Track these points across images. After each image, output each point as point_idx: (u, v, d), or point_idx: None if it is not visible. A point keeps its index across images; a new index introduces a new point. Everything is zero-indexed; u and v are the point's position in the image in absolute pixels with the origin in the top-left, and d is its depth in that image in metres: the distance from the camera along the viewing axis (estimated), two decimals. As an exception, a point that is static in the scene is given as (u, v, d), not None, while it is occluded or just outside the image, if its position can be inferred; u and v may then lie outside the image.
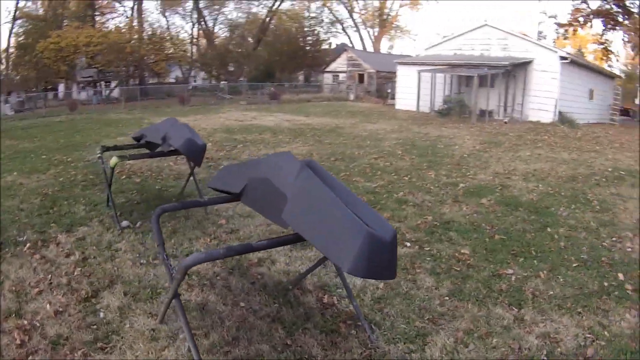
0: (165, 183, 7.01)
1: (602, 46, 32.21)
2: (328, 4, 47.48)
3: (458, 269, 4.48)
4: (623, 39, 31.44)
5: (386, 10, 48.74)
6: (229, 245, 2.57)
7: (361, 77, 36.50)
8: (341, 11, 50.84)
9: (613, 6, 29.72)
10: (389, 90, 28.81)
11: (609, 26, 30.61)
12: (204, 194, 5.80)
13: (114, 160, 5.07)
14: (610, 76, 29.17)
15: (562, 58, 21.30)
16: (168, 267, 2.70)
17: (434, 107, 22.16)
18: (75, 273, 3.70)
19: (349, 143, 11.60)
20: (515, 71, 21.63)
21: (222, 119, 16.44)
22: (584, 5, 30.47)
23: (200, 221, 5.18)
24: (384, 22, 48.81)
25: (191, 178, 5.91)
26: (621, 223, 6.58)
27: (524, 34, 24.58)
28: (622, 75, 39.48)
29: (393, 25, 50.61)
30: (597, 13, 29.94)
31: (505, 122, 19.74)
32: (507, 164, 10.66)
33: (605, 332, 3.53)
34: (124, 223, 5.00)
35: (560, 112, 21.44)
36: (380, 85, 34.89)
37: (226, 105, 25.98)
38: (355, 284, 3.87)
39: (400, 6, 48.88)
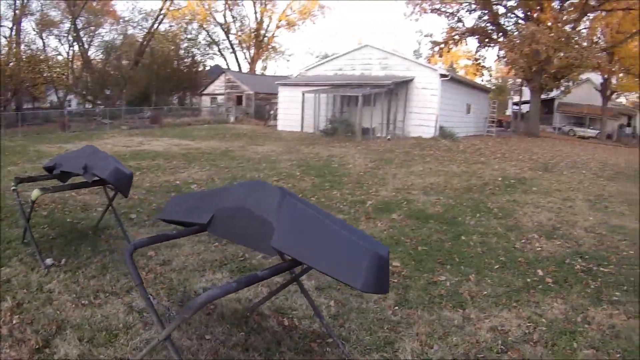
0: (75, 215, 6.71)
1: (476, 62, 35.63)
2: (205, 26, 48.04)
3: (396, 280, 4.91)
4: (498, 55, 34.99)
5: (262, 32, 50.12)
6: (237, 278, 2.66)
7: (239, 98, 36.99)
8: (218, 32, 51.64)
9: (488, 24, 33.16)
10: (272, 112, 29.44)
11: (483, 43, 34.07)
12: (124, 224, 5.73)
13: (35, 193, 4.81)
14: (485, 90, 32.42)
15: (442, 76, 23.49)
16: (152, 306, 2.75)
17: (318, 127, 23.14)
18: (15, 322, 3.53)
19: (246, 166, 11.83)
20: (397, 89, 23.32)
21: (110, 145, 15.89)
22: (459, 24, 33.63)
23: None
24: (260, 44, 50.07)
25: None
26: (525, 226, 7.53)
27: (404, 54, 26.70)
28: (494, 88, 43.90)
29: (269, 47, 52.13)
30: (472, 31, 33.28)
31: (389, 139, 21.19)
32: (404, 179, 11.54)
33: (543, 319, 4.15)
34: (48, 261, 4.73)
35: (441, 127, 23.49)
36: (258, 106, 35.56)
37: (107, 130, 25.23)
38: (307, 305, 4.13)
39: (277, 27, 50.43)
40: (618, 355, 3.65)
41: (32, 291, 4.08)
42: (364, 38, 57.90)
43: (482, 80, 40.73)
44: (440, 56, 34.68)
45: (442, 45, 33.22)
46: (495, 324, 4.01)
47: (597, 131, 40.84)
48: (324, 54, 66.36)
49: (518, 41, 27.62)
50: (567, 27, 29.51)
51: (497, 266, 5.53)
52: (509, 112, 52.01)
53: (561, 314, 4.28)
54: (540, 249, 6.35)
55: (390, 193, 9.82)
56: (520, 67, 28.28)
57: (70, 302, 3.85)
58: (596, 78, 41.86)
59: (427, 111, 23.42)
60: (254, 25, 50.18)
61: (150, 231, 6.01)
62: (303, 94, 23.08)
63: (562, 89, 31.98)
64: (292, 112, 24.74)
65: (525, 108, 44.45)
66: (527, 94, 42.34)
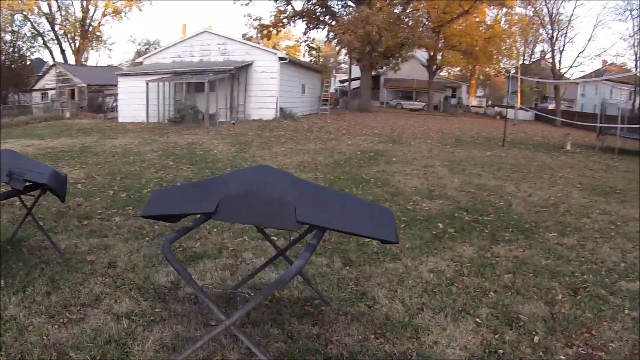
0: None
1: (304, 43, 37.32)
2: (31, 17, 43.50)
3: (330, 247, 5.61)
4: (327, 37, 37.11)
5: (88, 21, 46.92)
6: (306, 248, 3.02)
7: (72, 92, 34.68)
8: (43, 23, 46.89)
9: (317, 7, 34.70)
10: (115, 104, 27.93)
11: (312, 26, 35.66)
12: (45, 229, 5.53)
13: None
14: (317, 70, 34.12)
15: (281, 59, 24.49)
16: (206, 296, 2.94)
17: (165, 116, 22.84)
18: (5, 364, 3.42)
19: (114, 161, 11.52)
20: (238, 74, 23.80)
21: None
22: (289, 8, 34.78)
23: (66, 263, 5.02)
24: (85, 33, 46.84)
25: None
26: (405, 191, 8.71)
27: (244, 38, 27.10)
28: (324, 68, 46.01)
29: (94, 37, 49.03)
30: (301, 14, 34.58)
31: (233, 123, 21.64)
32: (274, 159, 12.20)
33: (463, 259, 5.19)
34: None
35: (281, 108, 24.55)
36: (92, 99, 33.72)
37: None
38: (271, 278, 4.68)
39: (103, 15, 47.39)
40: (531, 274, 4.82)
41: None
42: (193, 25, 56.74)
43: (313, 61, 42.65)
44: (269, 39, 35.70)
45: (271, 29, 34.30)
46: (431, 267, 4.94)
47: (424, 103, 45.25)
48: (145, 41, 63.83)
49: (352, 24, 29.56)
50: (397, 10, 32.35)
51: (403, 225, 6.51)
52: (332, 90, 55.02)
53: (474, 253, 5.39)
54: (428, 208, 7.51)
55: None
56: (355, 48, 30.29)
57: (48, 324, 3.66)
58: (421, 55, 46.26)
59: (267, 94, 24.29)
60: (79, 14, 46.88)
61: (69, 235, 5.82)
62: (147, 84, 22.49)
63: (392, 66, 34.83)
64: (134, 103, 23.83)
65: (352, 85, 47.57)
66: (353, 72, 45.35)
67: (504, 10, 41.58)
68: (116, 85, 26.27)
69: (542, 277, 4.78)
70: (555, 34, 42.85)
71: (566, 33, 43.55)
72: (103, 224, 6.35)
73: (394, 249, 5.48)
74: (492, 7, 41.29)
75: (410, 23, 32.30)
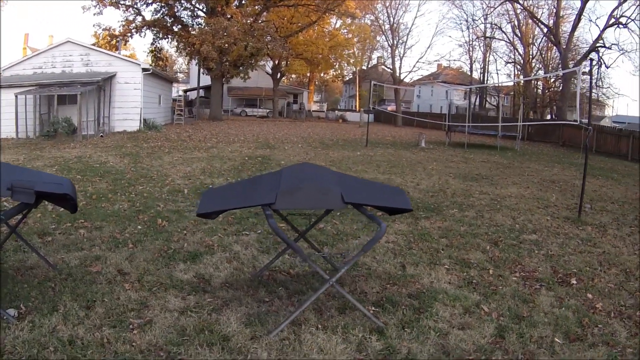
0: None
1: (152, 53, 37.12)
2: None
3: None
4: (178, 47, 37.26)
5: None
6: (379, 229, 3.70)
7: None
8: None
9: (167, 18, 34.89)
10: None
11: (162, 35, 35.69)
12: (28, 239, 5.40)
13: None
14: (169, 80, 34.26)
15: (144, 70, 24.81)
16: (310, 260, 3.71)
17: (31, 130, 21.81)
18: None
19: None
20: (103, 85, 23.55)
21: None
22: (139, 18, 34.52)
23: (72, 279, 4.86)
24: None
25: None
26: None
27: (108, 49, 26.41)
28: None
29: None
30: (152, 24, 34.53)
31: (101, 136, 21.51)
32: (173, 169, 12.67)
33: (404, 232, 6.80)
34: (11, 312, 4.07)
35: (144, 120, 24.83)
36: None
37: None
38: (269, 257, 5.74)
39: None
40: (458, 237, 6.55)
41: (67, 350, 3.56)
42: (36, 34, 52.81)
43: (164, 70, 42.38)
44: (117, 49, 35.11)
45: (119, 38, 33.86)
46: (386, 240, 6.42)
47: (268, 110, 47.11)
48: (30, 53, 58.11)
49: (209, 34, 30.38)
50: (249, 20, 33.72)
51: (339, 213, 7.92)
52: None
53: (408, 227, 7.09)
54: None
55: (183, 181, 10.91)
56: (213, 58, 31.07)
57: (121, 332, 3.75)
58: (266, 63, 47.96)
59: (130, 105, 24.36)
60: None
61: (46, 252, 5.73)
62: (16, 96, 21.27)
63: (242, 75, 36.10)
64: None
65: (193, 95, 47.83)
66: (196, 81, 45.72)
67: (349, 20, 44.99)
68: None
69: (467, 237, 6.54)
70: (395, 41, 47.23)
71: (406, 41, 48.24)
72: (69, 238, 6.33)
73: (348, 230, 6.83)
74: (335, 18, 44.51)
75: (261, 34, 33.77)
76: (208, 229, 6.75)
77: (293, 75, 60.83)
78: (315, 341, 3.61)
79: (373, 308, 4.21)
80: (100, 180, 11.11)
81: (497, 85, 50.76)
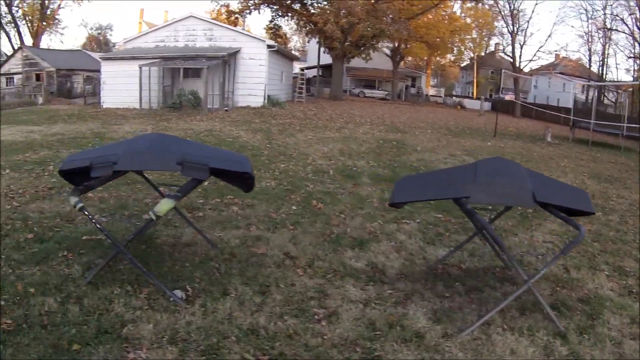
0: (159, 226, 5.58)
1: (270, 30, 37.93)
2: None
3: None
4: (298, 24, 37.30)
5: (47, 3, 45.67)
6: (580, 233, 3.66)
7: (38, 76, 33.75)
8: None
9: None
10: (102, 89, 27.58)
11: (282, 13, 36.25)
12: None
13: (167, 204, 3.70)
14: (291, 58, 35.14)
15: (270, 46, 24.92)
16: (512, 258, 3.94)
17: (153, 101, 22.61)
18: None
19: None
20: (228, 60, 23.90)
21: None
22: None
23: (236, 259, 4.81)
24: (44, 16, 45.60)
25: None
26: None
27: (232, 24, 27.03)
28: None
29: (54, 20, 47.80)
30: (270, 2, 34.86)
31: (226, 111, 21.79)
32: (313, 147, 12.64)
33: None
34: (178, 293, 3.93)
35: (268, 96, 25.04)
36: (61, 84, 33.33)
37: None
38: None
39: None
40: None
41: (251, 341, 3.38)
42: (150, 10, 55.93)
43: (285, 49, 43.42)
44: (235, 25, 36.16)
45: (238, 15, 34.81)
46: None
47: (386, 92, 47.03)
48: (98, 26, 62.51)
49: (334, 14, 30.49)
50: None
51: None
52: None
53: None
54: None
55: (324, 161, 10.67)
56: (337, 38, 31.48)
57: (304, 323, 3.66)
58: (386, 45, 47.51)
59: (254, 80, 24.61)
60: (38, -4, 45.37)
61: (200, 228, 5.74)
62: (140, 68, 22.01)
63: (364, 56, 36.33)
64: (120, 88, 23.40)
65: (310, 74, 48.45)
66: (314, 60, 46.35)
67: (469, 4, 43.95)
68: (88, 70, 25.75)
69: (618, 244, 6.34)
70: (515, 28, 45.12)
71: (526, 28, 46.25)
72: (222, 215, 6.24)
73: (505, 225, 6.61)
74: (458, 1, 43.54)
75: (383, 14, 33.18)
76: (366, 214, 6.71)
77: (409, 58, 60.19)
78: (506, 342, 3.59)
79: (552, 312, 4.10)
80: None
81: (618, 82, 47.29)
